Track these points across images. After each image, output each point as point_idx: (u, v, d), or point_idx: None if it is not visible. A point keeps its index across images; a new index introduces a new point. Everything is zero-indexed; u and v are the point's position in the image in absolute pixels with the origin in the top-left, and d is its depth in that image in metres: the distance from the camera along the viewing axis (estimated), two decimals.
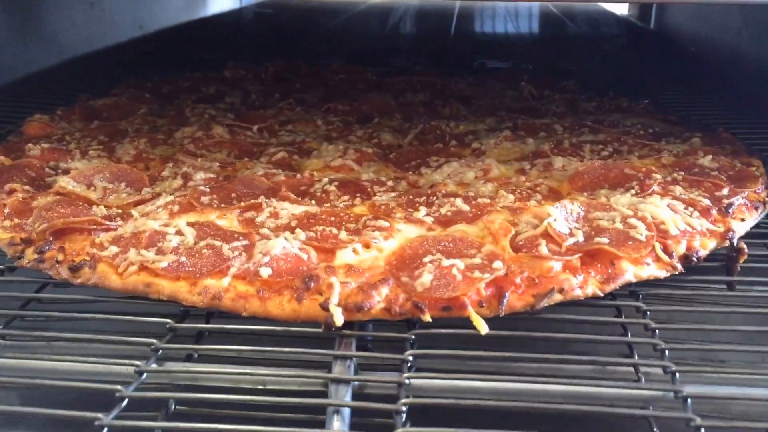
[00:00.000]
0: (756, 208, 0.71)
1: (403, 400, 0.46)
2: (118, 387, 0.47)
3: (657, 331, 0.54)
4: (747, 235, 0.68)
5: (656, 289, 0.60)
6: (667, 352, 0.51)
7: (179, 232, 0.61)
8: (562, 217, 0.63)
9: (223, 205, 0.69)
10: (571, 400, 0.48)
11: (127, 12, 1.80)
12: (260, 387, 0.50)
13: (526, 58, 1.67)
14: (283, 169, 0.82)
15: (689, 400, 0.47)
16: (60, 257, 0.59)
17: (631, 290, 0.59)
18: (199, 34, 1.99)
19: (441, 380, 0.49)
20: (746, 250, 0.63)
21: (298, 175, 0.78)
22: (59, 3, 1.47)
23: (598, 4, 2.41)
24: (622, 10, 2.47)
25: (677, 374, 0.49)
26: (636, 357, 0.52)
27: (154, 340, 0.52)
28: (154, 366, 0.50)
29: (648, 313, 0.56)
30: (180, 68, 1.36)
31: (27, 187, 0.73)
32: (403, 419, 0.45)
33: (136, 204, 0.71)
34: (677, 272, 0.60)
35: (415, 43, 2.05)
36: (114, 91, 1.17)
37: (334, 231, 0.62)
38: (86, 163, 0.82)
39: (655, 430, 0.48)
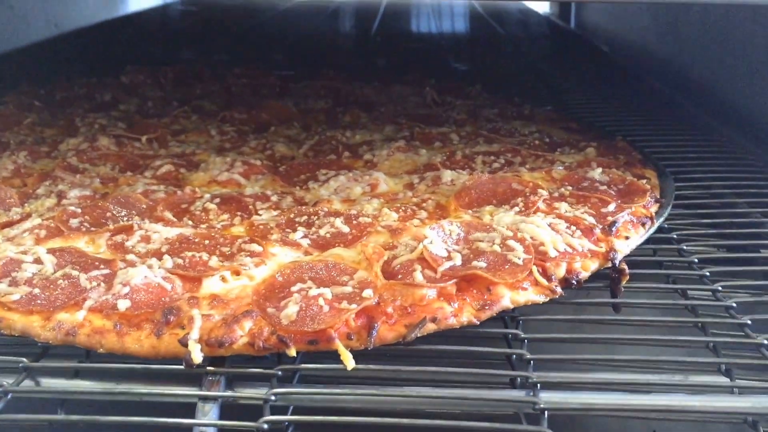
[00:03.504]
0: (643, 224, 0.70)
1: None
2: None
3: (531, 362, 0.53)
4: (638, 252, 0.68)
5: (539, 314, 0.59)
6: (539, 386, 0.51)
7: (37, 260, 0.58)
8: (440, 239, 0.62)
9: (92, 229, 0.66)
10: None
11: (40, 9, 1.73)
12: None
13: (444, 58, 1.68)
14: (167, 184, 0.79)
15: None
16: None
17: (513, 315, 0.58)
18: (120, 33, 1.93)
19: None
20: (627, 271, 0.62)
21: (179, 192, 0.75)
22: None
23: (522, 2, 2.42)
24: (544, 8, 2.48)
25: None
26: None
27: (5, 381, 0.49)
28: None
29: (523, 342, 0.55)
30: (97, 70, 1.31)
31: None
32: None
33: (2, 227, 0.67)
34: (557, 296, 0.59)
35: (335, 42, 2.02)
36: (4, 99, 1.12)
37: (205, 257, 0.60)
38: None
39: None
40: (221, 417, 0.48)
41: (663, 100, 1.23)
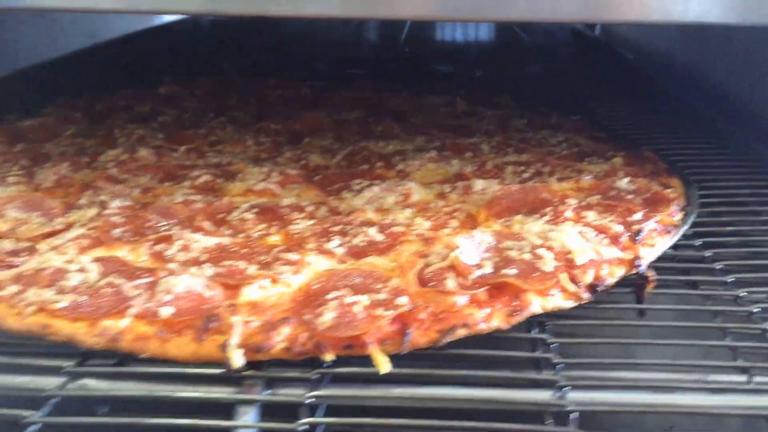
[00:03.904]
0: (668, 232, 0.72)
1: None
2: None
3: (559, 365, 0.54)
4: (662, 258, 0.69)
5: (566, 319, 0.60)
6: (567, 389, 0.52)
7: (82, 269, 0.60)
8: (472, 248, 0.63)
9: (134, 238, 0.68)
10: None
11: (77, 20, 1.77)
12: None
13: (472, 66, 1.69)
14: (205, 194, 0.81)
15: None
16: None
17: (540, 320, 0.60)
18: (154, 43, 1.97)
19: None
20: (653, 278, 0.64)
21: (217, 202, 0.78)
22: (7, 14, 1.45)
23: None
24: None
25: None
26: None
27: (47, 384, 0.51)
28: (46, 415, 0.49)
29: (552, 345, 0.57)
30: (132, 79, 1.34)
31: None
32: None
33: (47, 236, 0.70)
34: (584, 302, 0.60)
35: (364, 51, 2.04)
36: (45, 110, 1.16)
37: (243, 265, 0.62)
38: (3, 190, 0.81)
39: None
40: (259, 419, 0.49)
41: (687, 109, 1.24)
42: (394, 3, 0.59)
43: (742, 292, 0.65)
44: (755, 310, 0.62)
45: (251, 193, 0.82)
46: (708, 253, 0.73)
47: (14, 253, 0.65)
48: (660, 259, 0.69)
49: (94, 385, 0.52)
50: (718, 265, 0.70)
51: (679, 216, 0.75)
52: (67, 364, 0.53)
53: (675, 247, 0.72)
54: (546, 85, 1.50)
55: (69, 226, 0.71)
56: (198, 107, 1.22)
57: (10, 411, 0.49)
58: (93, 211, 0.75)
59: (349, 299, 0.56)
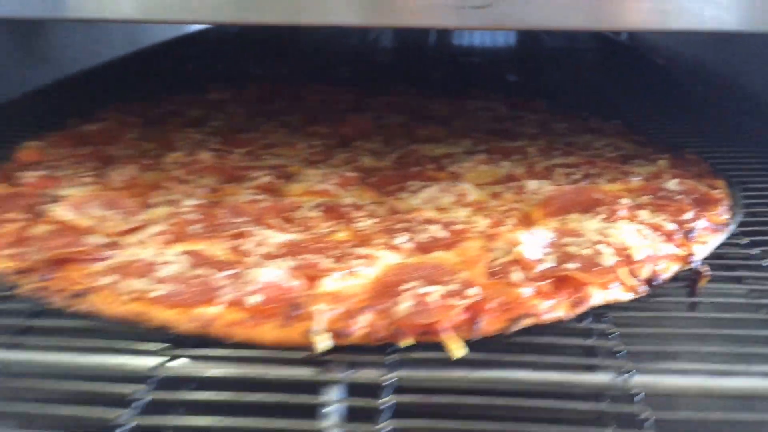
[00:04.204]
0: (718, 230, 0.75)
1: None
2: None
3: (622, 352, 0.58)
4: (711, 255, 0.72)
5: (622, 312, 0.64)
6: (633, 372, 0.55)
7: (170, 262, 0.64)
8: (533, 243, 0.67)
9: (210, 234, 0.72)
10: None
11: (120, 27, 1.83)
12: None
13: (502, 72, 1.73)
14: (267, 194, 0.85)
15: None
16: (59, 286, 0.62)
17: (598, 312, 0.63)
18: (191, 50, 2.02)
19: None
20: (707, 272, 0.67)
21: (281, 202, 0.82)
22: (56, 22, 1.50)
23: None
24: None
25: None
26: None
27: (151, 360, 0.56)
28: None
29: (611, 335, 0.60)
30: (168, 85, 1.39)
31: (23, 216, 0.76)
32: None
33: (129, 232, 0.74)
34: (641, 295, 0.64)
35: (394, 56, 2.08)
36: (100, 114, 1.20)
37: (318, 259, 0.66)
38: (80, 189, 0.85)
39: None
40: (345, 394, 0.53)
41: (720, 114, 1.27)
42: (415, 11, 0.63)
43: None
44: None
45: (311, 194, 0.86)
46: (755, 251, 0.76)
47: (102, 247, 0.69)
48: (708, 257, 0.72)
49: (188, 366, 0.56)
50: (765, 262, 0.73)
51: (727, 215, 0.78)
52: (160, 347, 0.57)
53: (721, 245, 0.75)
54: (574, 90, 1.53)
55: (147, 223, 0.75)
56: (246, 112, 1.26)
57: (114, 387, 0.54)
58: (166, 210, 0.79)
59: (422, 290, 0.60)
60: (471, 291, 0.60)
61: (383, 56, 2.07)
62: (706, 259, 0.71)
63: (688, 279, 0.68)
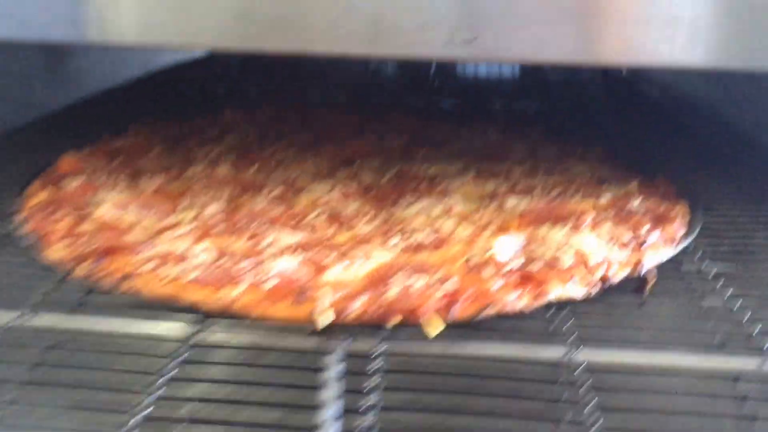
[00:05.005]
0: (672, 243, 0.87)
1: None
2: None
3: (572, 335, 0.70)
4: (665, 268, 0.83)
5: (579, 306, 0.75)
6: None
7: (199, 254, 0.77)
8: (505, 247, 0.79)
9: (231, 233, 0.85)
10: None
11: (133, 51, 1.95)
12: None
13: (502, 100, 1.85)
14: (280, 204, 0.98)
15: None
16: (107, 270, 0.74)
17: (559, 306, 0.75)
18: (203, 71, 2.13)
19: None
20: (652, 276, 0.79)
21: (292, 209, 0.94)
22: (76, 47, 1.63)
23: None
24: None
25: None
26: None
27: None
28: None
29: (568, 322, 0.72)
30: (191, 106, 1.51)
31: (70, 215, 0.88)
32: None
33: (163, 230, 0.86)
34: (593, 294, 0.75)
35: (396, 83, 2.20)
36: (129, 131, 1.33)
37: (323, 255, 0.78)
38: (116, 194, 0.98)
39: None
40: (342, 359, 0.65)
41: (706, 146, 1.37)
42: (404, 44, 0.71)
43: (728, 294, 0.80)
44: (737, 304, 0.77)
45: (317, 205, 0.98)
46: (705, 263, 0.87)
47: (142, 241, 0.81)
48: (663, 268, 0.83)
49: (216, 333, 0.68)
50: (705, 265, 0.85)
51: (681, 231, 0.90)
52: (192, 319, 0.69)
53: (675, 259, 0.87)
54: (572, 120, 1.64)
55: (179, 223, 0.88)
56: (258, 132, 1.39)
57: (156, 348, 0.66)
58: (193, 213, 0.92)
59: (408, 281, 0.72)
60: (448, 283, 0.72)
61: (389, 84, 2.19)
62: (658, 266, 0.83)
63: (638, 282, 0.80)
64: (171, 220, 0.89)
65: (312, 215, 0.92)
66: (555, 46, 0.71)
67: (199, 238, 0.83)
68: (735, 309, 0.76)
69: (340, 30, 0.71)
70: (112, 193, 0.99)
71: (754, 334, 0.71)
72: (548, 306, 0.74)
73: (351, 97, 1.81)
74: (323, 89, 1.91)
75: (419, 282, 0.72)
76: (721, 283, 0.82)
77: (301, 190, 1.04)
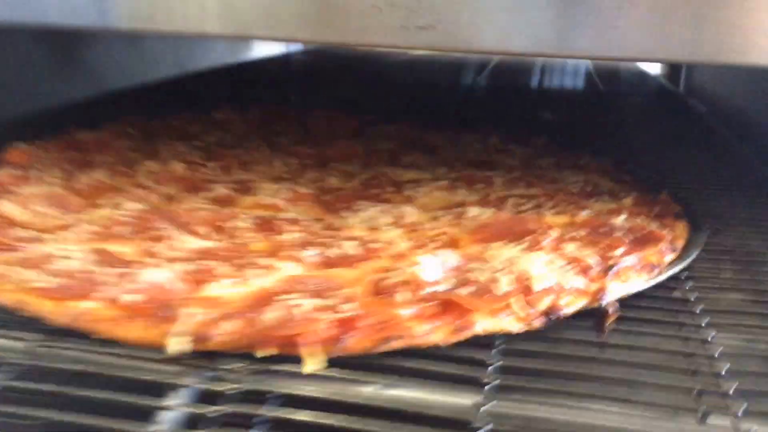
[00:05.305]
0: (651, 270, 0.72)
1: None
2: None
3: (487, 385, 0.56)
4: (644, 296, 0.70)
5: (517, 343, 0.61)
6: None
7: (67, 257, 0.66)
8: (434, 266, 0.66)
9: (131, 236, 0.74)
10: None
11: (170, 52, 1.91)
12: None
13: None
14: (217, 205, 0.87)
15: None
16: None
17: (488, 342, 0.61)
18: (240, 77, 2.08)
19: None
20: (613, 311, 0.64)
21: (222, 212, 0.83)
22: (100, 40, 1.58)
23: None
24: (655, 69, 2.49)
25: None
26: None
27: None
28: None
29: (490, 366, 0.58)
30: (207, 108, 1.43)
31: None
32: None
33: (59, 229, 0.76)
34: (534, 328, 0.61)
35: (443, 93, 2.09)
36: (104, 126, 1.24)
37: (216, 265, 0.66)
38: (38, 188, 0.88)
39: None
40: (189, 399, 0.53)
41: (748, 168, 1.23)
42: (358, 30, 0.63)
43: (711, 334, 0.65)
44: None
45: (259, 207, 0.87)
46: (693, 296, 0.72)
47: (24, 239, 0.71)
48: (642, 297, 0.69)
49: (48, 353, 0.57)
50: (698, 308, 0.70)
51: (669, 256, 0.75)
52: (32, 337, 0.58)
53: (668, 288, 0.72)
54: (606, 133, 1.50)
55: (79, 222, 0.77)
56: (244, 132, 1.28)
57: None
58: (108, 212, 0.81)
59: (295, 302, 0.59)
60: (346, 306, 0.59)
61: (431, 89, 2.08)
62: (636, 300, 0.68)
63: (596, 317, 0.65)
64: (76, 217, 0.79)
65: (240, 219, 0.81)
66: (522, 35, 0.62)
67: (92, 240, 0.72)
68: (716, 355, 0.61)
69: (282, 15, 0.64)
70: (37, 186, 0.89)
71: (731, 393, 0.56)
72: (473, 341, 0.60)
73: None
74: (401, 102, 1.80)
75: (308, 304, 0.59)
76: (706, 320, 0.67)
77: (249, 191, 0.93)
